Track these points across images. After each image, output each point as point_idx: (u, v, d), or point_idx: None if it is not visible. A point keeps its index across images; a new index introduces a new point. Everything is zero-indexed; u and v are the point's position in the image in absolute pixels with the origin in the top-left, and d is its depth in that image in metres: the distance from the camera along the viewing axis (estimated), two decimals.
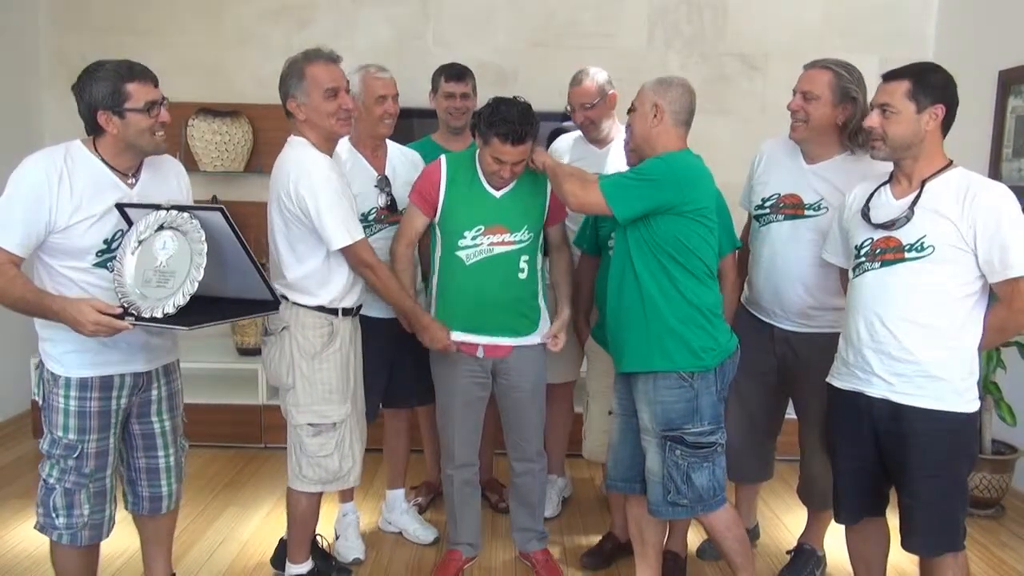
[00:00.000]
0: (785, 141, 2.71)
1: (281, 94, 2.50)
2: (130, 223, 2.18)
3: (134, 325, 2.08)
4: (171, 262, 2.12)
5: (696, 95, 2.47)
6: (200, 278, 2.08)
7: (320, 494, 2.69)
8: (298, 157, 2.47)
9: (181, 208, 2.17)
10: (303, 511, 2.68)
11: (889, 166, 2.28)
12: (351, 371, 2.64)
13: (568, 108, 3.16)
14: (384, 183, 2.90)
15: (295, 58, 2.50)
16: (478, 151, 2.66)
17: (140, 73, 2.14)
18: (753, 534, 3.17)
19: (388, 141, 3.01)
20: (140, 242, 2.14)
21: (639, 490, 2.51)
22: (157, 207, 2.16)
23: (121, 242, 2.16)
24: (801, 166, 2.65)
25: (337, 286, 2.55)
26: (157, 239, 2.14)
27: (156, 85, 2.18)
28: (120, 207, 2.17)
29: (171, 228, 2.14)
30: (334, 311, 2.55)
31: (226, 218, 2.14)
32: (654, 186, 2.33)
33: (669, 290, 2.36)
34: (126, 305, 2.10)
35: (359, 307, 2.70)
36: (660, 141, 2.42)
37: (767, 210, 2.70)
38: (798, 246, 2.61)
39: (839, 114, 2.55)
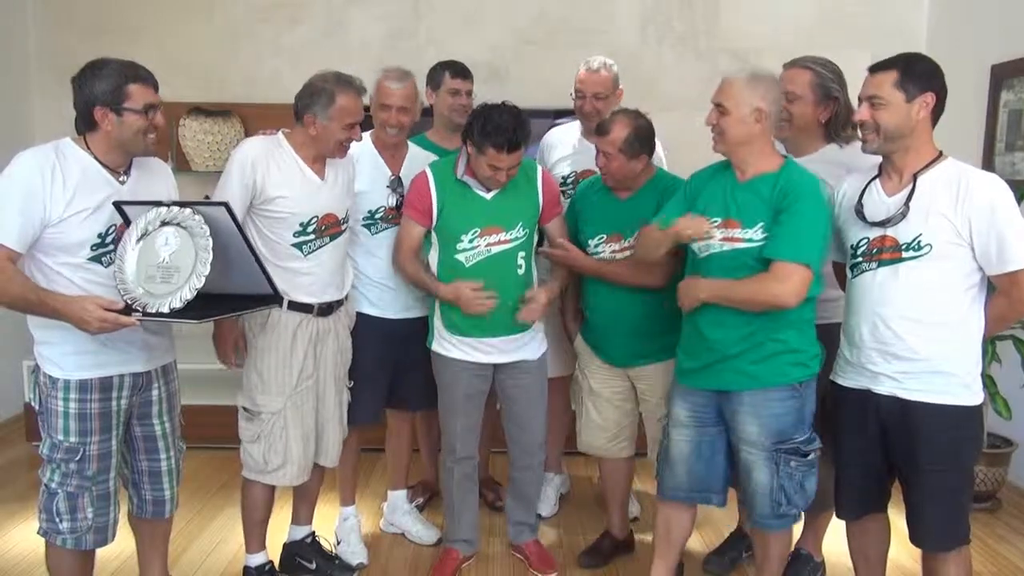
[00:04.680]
0: None
1: (301, 104, 2.50)
2: (127, 221, 2.17)
3: (140, 320, 2.07)
4: (174, 258, 2.11)
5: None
6: (207, 273, 2.07)
7: (270, 486, 2.70)
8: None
9: (183, 204, 2.16)
10: (246, 499, 2.73)
11: (876, 156, 2.27)
12: (300, 368, 2.60)
13: (575, 93, 3.10)
14: (396, 184, 2.89)
15: (325, 78, 2.50)
16: (471, 158, 2.64)
17: (143, 76, 2.16)
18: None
19: (414, 146, 3.01)
20: (141, 239, 2.12)
21: (715, 501, 2.48)
22: (158, 203, 2.15)
23: (119, 238, 2.15)
24: None
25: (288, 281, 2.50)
26: (159, 236, 2.13)
27: (156, 90, 2.19)
28: (118, 205, 2.15)
29: (173, 224, 2.13)
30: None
31: (230, 212, 2.14)
32: (824, 223, 2.28)
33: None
34: (130, 301, 2.09)
35: (327, 305, 2.64)
36: (761, 147, 2.33)
37: None
38: None
39: (821, 113, 2.56)
